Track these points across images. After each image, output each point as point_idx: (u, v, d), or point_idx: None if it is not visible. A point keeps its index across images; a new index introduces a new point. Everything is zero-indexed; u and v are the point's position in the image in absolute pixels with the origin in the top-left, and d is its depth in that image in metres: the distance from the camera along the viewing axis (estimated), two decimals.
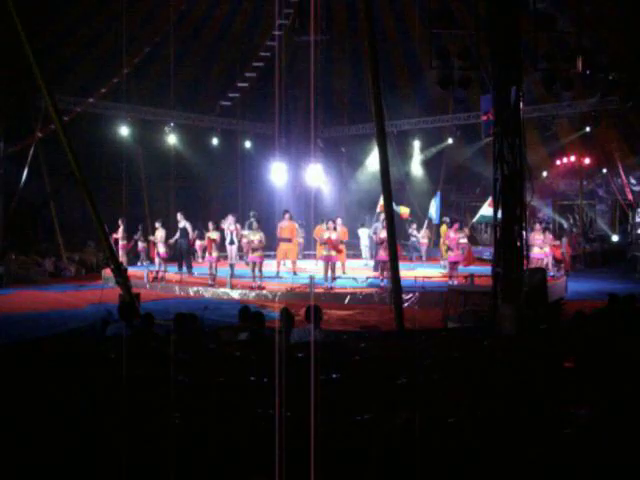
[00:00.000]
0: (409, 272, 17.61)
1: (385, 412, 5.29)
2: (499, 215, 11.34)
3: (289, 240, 19.28)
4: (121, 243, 20.73)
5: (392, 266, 7.54)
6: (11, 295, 17.55)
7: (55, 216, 22.65)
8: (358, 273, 18.86)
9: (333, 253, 17.11)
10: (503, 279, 10.98)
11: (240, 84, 24.02)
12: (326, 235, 17.10)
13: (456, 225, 18.25)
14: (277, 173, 23.16)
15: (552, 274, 18.03)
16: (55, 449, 4.69)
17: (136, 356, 6.59)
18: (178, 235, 19.88)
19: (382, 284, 16.68)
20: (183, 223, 19.86)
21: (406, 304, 13.64)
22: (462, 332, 10.52)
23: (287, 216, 19.50)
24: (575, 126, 25.58)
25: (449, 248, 17.93)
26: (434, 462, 4.79)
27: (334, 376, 5.95)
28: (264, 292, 16.86)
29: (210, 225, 18.53)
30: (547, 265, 18.49)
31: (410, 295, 15.17)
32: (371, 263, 20.14)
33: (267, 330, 7.99)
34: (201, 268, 19.77)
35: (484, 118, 12.87)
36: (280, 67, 22.85)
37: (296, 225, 18.42)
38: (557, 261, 20.33)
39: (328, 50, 25.37)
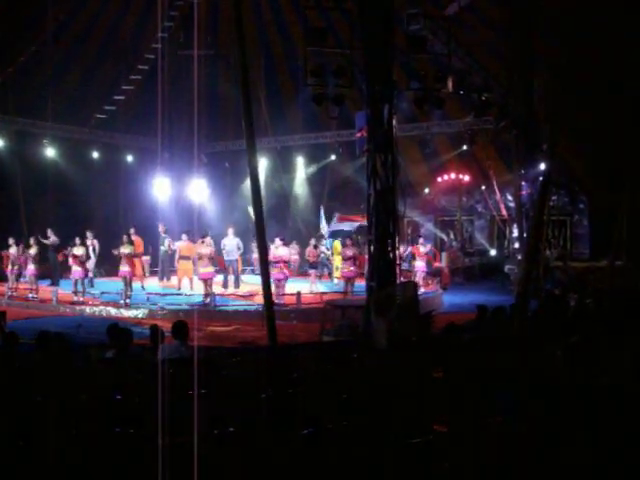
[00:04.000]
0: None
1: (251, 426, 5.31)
2: (372, 229, 11.58)
3: (188, 258, 19.34)
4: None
5: (263, 281, 7.56)
6: None
7: None
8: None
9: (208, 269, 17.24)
10: (376, 293, 11.20)
11: (117, 97, 23.59)
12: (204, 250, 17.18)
13: (349, 241, 18.53)
14: (160, 188, 22.83)
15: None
16: None
17: None
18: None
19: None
20: (53, 238, 20.03)
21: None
22: (336, 346, 10.63)
23: (184, 237, 19.61)
24: (453, 144, 26.43)
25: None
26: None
27: (203, 391, 5.91)
28: (152, 309, 16.65)
29: (77, 240, 18.39)
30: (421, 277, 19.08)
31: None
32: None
33: (135, 347, 7.88)
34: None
35: (358, 135, 13.11)
36: (163, 80, 22.60)
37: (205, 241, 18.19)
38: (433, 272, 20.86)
39: (213, 64, 25.29)
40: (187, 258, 19.24)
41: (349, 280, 18.01)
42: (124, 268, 17.63)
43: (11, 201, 24.18)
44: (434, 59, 15.68)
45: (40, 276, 19.40)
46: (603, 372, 6.32)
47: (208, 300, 16.96)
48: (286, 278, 17.60)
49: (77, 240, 18.45)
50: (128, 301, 17.36)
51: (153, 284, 20.37)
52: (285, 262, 17.49)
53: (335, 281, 20.66)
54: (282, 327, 11.55)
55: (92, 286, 19.66)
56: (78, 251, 18.00)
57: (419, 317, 11.21)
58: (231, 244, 19.68)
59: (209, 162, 26.51)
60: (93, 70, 25.10)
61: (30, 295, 18.94)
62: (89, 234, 19.68)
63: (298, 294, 16.70)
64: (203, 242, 17.54)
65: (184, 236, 19.55)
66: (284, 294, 17.04)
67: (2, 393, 5.95)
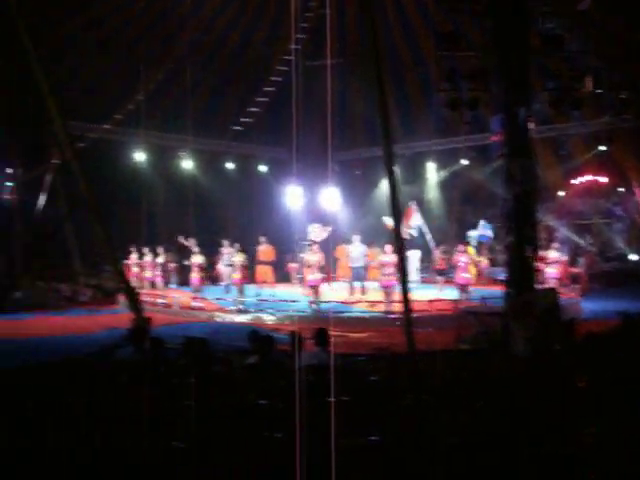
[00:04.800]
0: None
1: (393, 434, 5.29)
2: (510, 236, 11.32)
3: (266, 263, 20.53)
4: (135, 270, 20.86)
5: (403, 288, 7.55)
6: (28, 320, 17.68)
7: (72, 241, 22.83)
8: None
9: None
10: (515, 300, 10.94)
11: (252, 109, 24.19)
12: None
13: (462, 247, 18.28)
14: (292, 197, 23.23)
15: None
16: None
17: (145, 380, 6.63)
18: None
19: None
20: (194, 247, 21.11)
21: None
22: (473, 354, 10.46)
23: (263, 239, 20.81)
24: (590, 145, 25.52)
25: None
26: None
27: (345, 399, 5.94)
28: (275, 316, 16.97)
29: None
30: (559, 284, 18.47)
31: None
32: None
33: (276, 354, 8.00)
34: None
35: (494, 139, 12.89)
36: (297, 93, 22.97)
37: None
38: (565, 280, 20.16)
39: (342, 73, 25.51)
40: (266, 263, 20.39)
41: (463, 287, 17.77)
42: (235, 276, 18.74)
43: (151, 212, 25.27)
44: (569, 58, 15.23)
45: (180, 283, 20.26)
46: None
47: (314, 307, 17.16)
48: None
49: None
50: (241, 307, 17.99)
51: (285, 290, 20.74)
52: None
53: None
54: (416, 334, 11.46)
55: (227, 293, 20.29)
56: (238, 257, 19.12)
57: (562, 324, 10.86)
58: (357, 251, 19.72)
59: (340, 170, 26.74)
60: (227, 83, 25.88)
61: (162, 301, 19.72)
62: (225, 243, 20.29)
63: (429, 301, 16.62)
64: (311, 250, 17.91)
65: (263, 239, 20.67)
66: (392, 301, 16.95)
67: (149, 397, 6.17)
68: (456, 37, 12.75)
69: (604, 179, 26.97)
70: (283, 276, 23.23)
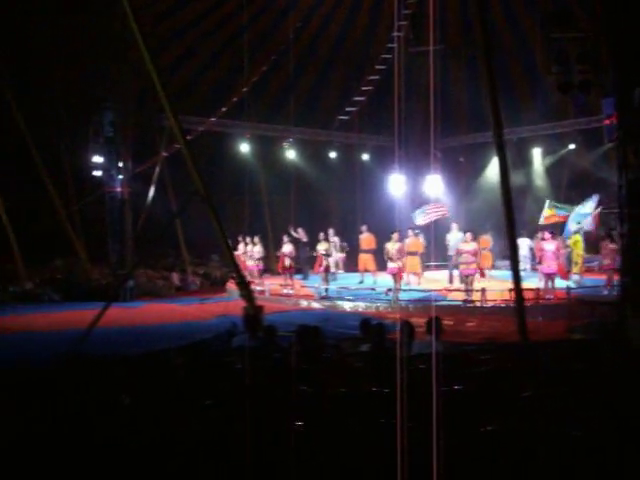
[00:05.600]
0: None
1: (510, 424, 5.24)
2: (625, 223, 10.98)
3: (367, 252, 20.90)
4: (244, 261, 21.26)
5: (515, 276, 7.44)
6: (140, 308, 18.30)
7: (180, 231, 23.47)
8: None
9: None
10: (632, 289, 10.61)
11: (357, 98, 24.21)
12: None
13: (548, 235, 17.57)
14: (395, 185, 23.15)
15: None
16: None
17: (261, 367, 6.78)
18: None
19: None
20: (302, 235, 21.84)
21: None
22: (586, 344, 10.21)
23: (364, 228, 21.21)
24: None
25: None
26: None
27: (457, 388, 5.93)
28: (380, 304, 17.05)
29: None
30: None
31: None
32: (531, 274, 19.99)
33: (388, 342, 8.04)
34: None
35: (607, 122, 12.46)
36: (399, 80, 22.86)
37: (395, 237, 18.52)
38: None
39: (443, 59, 25.21)
40: (414, 254, 20.09)
41: (549, 276, 17.15)
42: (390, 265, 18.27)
43: (256, 202, 25.69)
44: None
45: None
46: None
47: (391, 294, 17.36)
48: (475, 273, 17.66)
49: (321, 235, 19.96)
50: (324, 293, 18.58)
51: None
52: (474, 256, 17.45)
53: (576, 277, 19.62)
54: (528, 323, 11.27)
55: (335, 280, 20.54)
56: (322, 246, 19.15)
57: None
58: (455, 239, 19.64)
59: (443, 157, 26.48)
60: (330, 73, 26.00)
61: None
62: (331, 231, 20.46)
63: (537, 290, 16.33)
64: (391, 239, 18.08)
65: (410, 232, 20.25)
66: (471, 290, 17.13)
67: (265, 383, 6.29)
68: (565, 17, 12.41)
69: None
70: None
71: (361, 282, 20.90)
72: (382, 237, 21.08)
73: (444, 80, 25.13)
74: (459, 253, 17.68)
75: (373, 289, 18.84)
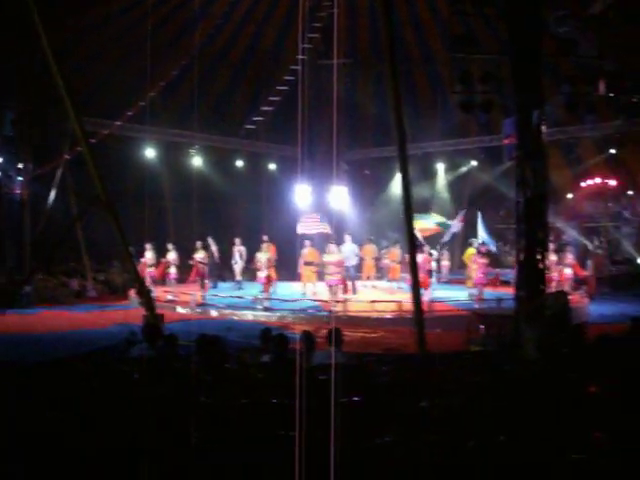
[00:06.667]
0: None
1: (407, 435, 5.31)
2: (522, 238, 11.35)
3: (310, 264, 20.57)
4: (149, 270, 20.91)
5: (414, 288, 7.58)
6: (37, 314, 17.77)
7: (81, 236, 22.89)
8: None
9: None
10: (526, 302, 10.97)
11: (264, 108, 24.20)
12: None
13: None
14: (301, 195, 23.23)
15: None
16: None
17: (159, 377, 6.67)
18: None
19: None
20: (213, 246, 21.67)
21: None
22: (484, 356, 10.49)
23: (266, 238, 21.21)
24: (600, 148, 25.51)
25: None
26: None
27: (356, 399, 5.97)
28: (285, 314, 17.10)
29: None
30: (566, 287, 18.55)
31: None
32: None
33: (289, 352, 8.04)
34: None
35: (506, 142, 12.91)
36: (304, 91, 22.99)
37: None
38: (579, 281, 20.12)
39: (353, 73, 25.54)
40: (310, 264, 20.27)
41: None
42: (262, 274, 18.69)
43: (159, 208, 25.31)
44: (582, 62, 15.23)
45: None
46: None
47: (258, 302, 17.73)
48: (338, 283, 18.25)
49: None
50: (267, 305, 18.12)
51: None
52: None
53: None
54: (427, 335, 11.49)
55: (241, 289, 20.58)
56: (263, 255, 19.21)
57: (571, 328, 10.88)
58: (348, 250, 19.90)
59: (350, 169, 26.76)
60: (239, 81, 25.93)
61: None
62: (237, 241, 20.42)
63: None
64: (261, 249, 18.73)
65: (307, 242, 20.49)
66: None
67: (164, 394, 6.20)
68: (470, 39, 12.77)
69: (613, 182, 26.96)
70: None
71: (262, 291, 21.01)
72: (287, 247, 21.18)
73: (353, 93, 25.47)
74: (324, 264, 18.03)
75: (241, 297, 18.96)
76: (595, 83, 12.87)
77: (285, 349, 7.78)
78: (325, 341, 7.83)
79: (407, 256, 16.54)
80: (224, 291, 20.50)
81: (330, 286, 17.82)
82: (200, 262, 20.09)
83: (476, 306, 16.86)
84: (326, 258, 18.05)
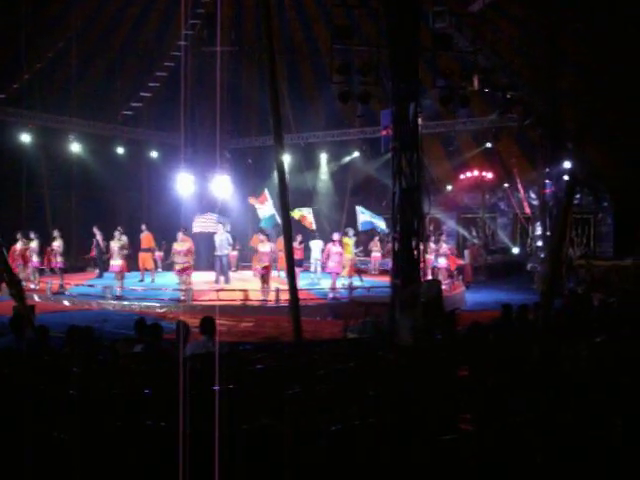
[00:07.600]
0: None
1: (275, 421, 5.36)
2: (397, 228, 11.59)
3: (146, 250, 21.47)
4: (34, 260, 20.26)
5: (289, 276, 7.63)
6: None
7: None
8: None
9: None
10: (401, 290, 11.22)
11: (143, 94, 23.70)
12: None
13: (337, 237, 18.79)
14: (183, 184, 22.93)
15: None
16: None
17: (28, 369, 6.48)
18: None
19: None
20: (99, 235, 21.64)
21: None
22: (360, 343, 10.68)
23: (144, 227, 21.80)
24: (477, 141, 26.36)
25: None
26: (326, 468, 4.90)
27: (231, 387, 5.96)
28: (167, 304, 16.89)
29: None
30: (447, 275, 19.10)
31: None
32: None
33: (163, 342, 7.95)
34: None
35: (383, 133, 13.13)
36: (186, 77, 22.71)
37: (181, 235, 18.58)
38: (451, 272, 20.68)
39: (237, 61, 25.38)
40: (147, 250, 21.33)
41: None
42: (115, 263, 18.38)
43: (36, 196, 24.41)
44: (459, 57, 15.68)
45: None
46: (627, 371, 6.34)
47: (184, 294, 17.32)
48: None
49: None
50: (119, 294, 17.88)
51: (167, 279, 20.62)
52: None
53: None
54: (305, 323, 11.60)
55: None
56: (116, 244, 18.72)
57: (444, 315, 11.23)
58: (220, 239, 19.94)
59: (232, 158, 26.60)
60: (118, 66, 25.29)
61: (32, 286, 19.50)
62: (119, 229, 19.92)
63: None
64: (181, 238, 18.19)
65: (143, 227, 21.54)
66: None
67: (33, 387, 6.03)
68: (351, 31, 12.91)
69: (490, 175, 27.91)
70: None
71: (141, 280, 20.68)
72: (168, 236, 20.87)
73: (238, 82, 25.31)
74: (174, 253, 18.08)
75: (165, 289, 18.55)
76: (469, 78, 13.26)
77: (159, 339, 7.70)
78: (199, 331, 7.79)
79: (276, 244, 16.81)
80: (107, 281, 19.90)
81: (179, 274, 17.79)
82: (53, 250, 19.87)
83: (330, 295, 17.18)
84: (175, 246, 17.98)
